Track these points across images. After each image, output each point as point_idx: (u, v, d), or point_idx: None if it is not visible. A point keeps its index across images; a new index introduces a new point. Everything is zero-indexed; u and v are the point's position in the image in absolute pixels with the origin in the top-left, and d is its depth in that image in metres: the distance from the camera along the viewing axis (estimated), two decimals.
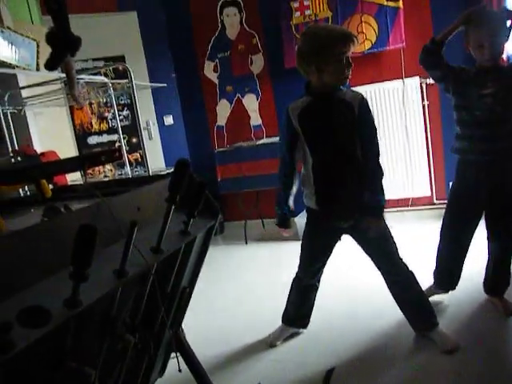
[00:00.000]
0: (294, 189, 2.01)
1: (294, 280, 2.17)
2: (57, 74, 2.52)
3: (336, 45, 1.73)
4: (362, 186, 1.87)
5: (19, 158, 1.88)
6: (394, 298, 2.02)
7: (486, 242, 2.20)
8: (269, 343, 2.18)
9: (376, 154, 1.87)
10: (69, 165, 1.16)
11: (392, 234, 1.97)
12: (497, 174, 2.03)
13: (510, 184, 2.04)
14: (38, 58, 2.77)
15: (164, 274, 1.32)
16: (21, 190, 2.01)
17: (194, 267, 1.50)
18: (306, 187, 1.98)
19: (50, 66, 1.03)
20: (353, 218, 1.91)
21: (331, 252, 2.06)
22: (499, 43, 1.94)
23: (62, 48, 1.02)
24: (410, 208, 3.95)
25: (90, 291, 0.88)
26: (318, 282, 2.16)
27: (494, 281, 2.21)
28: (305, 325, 2.22)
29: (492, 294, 2.22)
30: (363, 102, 1.83)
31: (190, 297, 1.56)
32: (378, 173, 1.87)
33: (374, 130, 1.88)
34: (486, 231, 2.17)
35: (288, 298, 2.21)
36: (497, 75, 1.97)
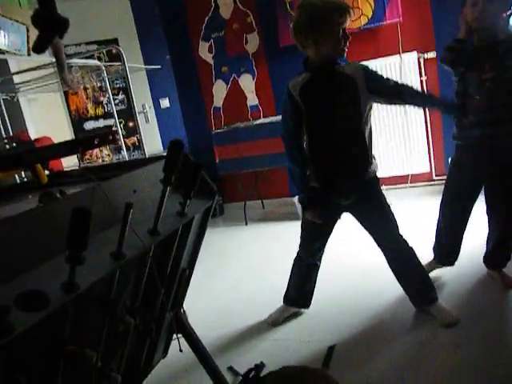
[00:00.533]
0: (306, 162, 1.94)
1: (295, 260, 2.18)
2: (49, 58, 2.48)
3: (332, 16, 1.71)
4: (364, 161, 1.87)
5: (14, 145, 1.87)
6: (394, 274, 2.03)
7: (486, 216, 2.19)
8: (270, 323, 2.20)
9: (406, 87, 1.84)
10: (62, 149, 1.15)
11: (392, 211, 1.97)
12: (498, 158, 2.01)
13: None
14: (28, 42, 2.73)
15: (163, 255, 1.32)
16: (17, 177, 2.01)
17: (192, 248, 1.50)
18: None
19: (38, 48, 1.01)
20: (354, 195, 1.90)
21: (332, 230, 2.06)
22: (494, 7, 1.86)
23: (49, 29, 1.00)
24: (409, 185, 3.95)
25: (88, 275, 0.88)
26: (319, 261, 2.16)
27: (494, 254, 2.21)
28: (306, 305, 2.22)
29: (491, 268, 2.23)
30: (366, 69, 1.82)
31: (190, 278, 1.56)
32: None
33: (391, 80, 1.84)
34: (485, 206, 2.17)
35: (289, 278, 2.22)
36: (495, 55, 1.89)
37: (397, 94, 1.82)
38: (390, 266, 2.03)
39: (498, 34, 1.90)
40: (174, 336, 1.63)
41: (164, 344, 1.64)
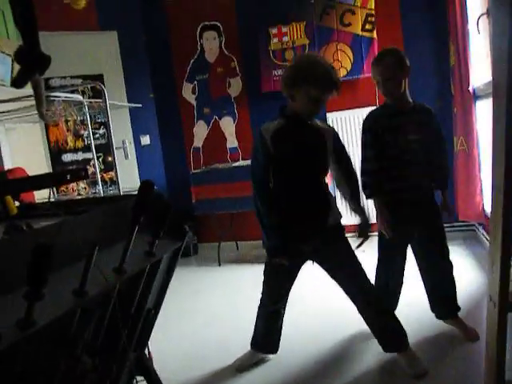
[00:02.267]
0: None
1: (259, 306, 2.15)
2: (30, 90, 2.50)
3: (307, 82, 1.78)
4: (325, 209, 1.93)
5: None
6: (366, 322, 2.01)
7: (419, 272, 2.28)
8: (236, 368, 2.15)
9: (356, 177, 2.06)
10: (33, 183, 1.14)
11: (357, 259, 1.97)
12: (425, 209, 2.17)
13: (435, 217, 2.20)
14: (12, 73, 2.76)
15: (129, 294, 1.31)
16: None
17: (159, 289, 1.48)
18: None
19: (18, 83, 1.03)
20: (314, 241, 1.92)
21: (296, 277, 2.05)
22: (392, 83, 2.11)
23: (30, 66, 1.02)
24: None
25: (47, 311, 0.86)
26: (284, 307, 2.13)
27: (436, 304, 2.27)
28: (273, 351, 2.19)
29: (443, 318, 2.26)
30: (336, 136, 2.01)
31: (156, 319, 1.53)
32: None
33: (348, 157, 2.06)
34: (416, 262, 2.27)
35: (255, 324, 2.18)
36: (416, 118, 2.14)
37: (344, 164, 2.04)
38: (361, 315, 2.01)
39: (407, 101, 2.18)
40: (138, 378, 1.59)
41: None
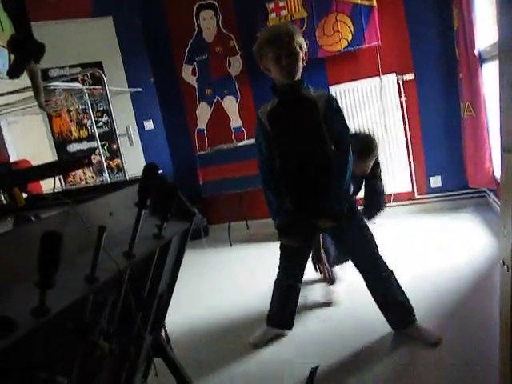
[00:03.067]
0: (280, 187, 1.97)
1: (275, 281, 2.18)
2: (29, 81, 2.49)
3: (264, 48, 1.84)
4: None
5: None
6: (373, 297, 2.02)
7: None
8: (252, 344, 2.18)
9: (345, 150, 1.85)
10: (39, 172, 1.14)
11: (371, 232, 1.98)
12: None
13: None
14: (9, 65, 2.74)
15: (141, 278, 1.32)
16: None
17: (171, 271, 1.49)
18: None
19: (13, 73, 1.02)
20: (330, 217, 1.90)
21: (309, 255, 2.08)
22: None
23: (24, 55, 1.01)
24: (391, 204, 3.99)
25: (60, 299, 0.87)
26: (300, 282, 2.16)
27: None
28: (288, 326, 2.21)
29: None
30: (329, 99, 1.86)
31: (169, 300, 1.55)
32: (344, 171, 1.83)
33: (344, 126, 1.88)
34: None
35: (271, 300, 2.21)
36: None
37: (334, 140, 1.88)
38: (369, 289, 2.01)
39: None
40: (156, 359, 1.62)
41: (144, 367, 1.61)
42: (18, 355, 0.81)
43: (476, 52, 3.19)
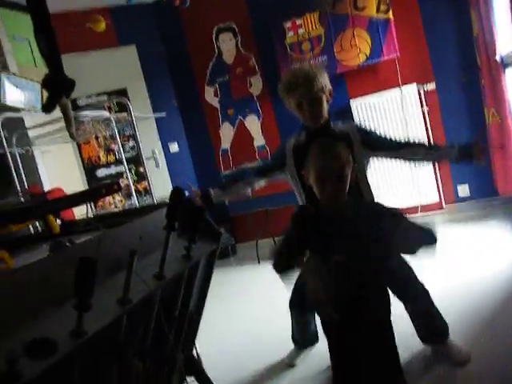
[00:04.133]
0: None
1: (289, 302, 2.10)
2: (60, 113, 2.61)
3: (285, 96, 1.80)
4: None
5: (28, 197, 1.96)
6: (406, 309, 1.94)
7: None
8: (287, 363, 2.18)
9: (407, 144, 1.79)
10: (71, 201, 1.21)
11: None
12: None
13: None
14: (42, 99, 2.88)
15: (171, 299, 1.35)
16: (31, 227, 2.09)
17: (200, 290, 1.53)
18: None
19: (47, 108, 1.09)
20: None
21: None
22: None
23: (56, 91, 1.08)
24: (420, 214, 3.94)
25: (95, 321, 0.91)
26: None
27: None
28: (313, 342, 2.18)
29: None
30: (359, 126, 1.84)
31: (200, 320, 1.58)
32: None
33: (391, 137, 1.83)
34: None
35: (291, 323, 2.17)
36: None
37: (395, 148, 1.79)
38: (405, 308, 1.93)
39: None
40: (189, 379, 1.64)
41: None
42: (58, 375, 0.85)
43: (498, 58, 3.17)
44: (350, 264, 1.36)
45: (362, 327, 1.36)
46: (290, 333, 2.25)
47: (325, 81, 1.78)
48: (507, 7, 3.05)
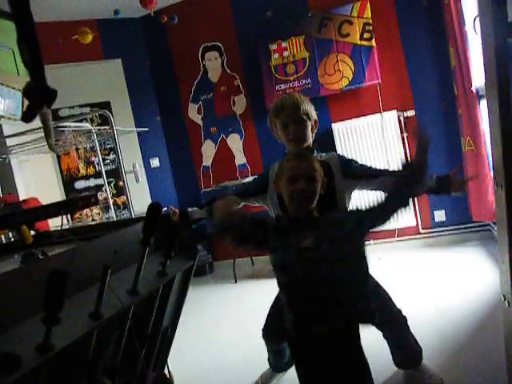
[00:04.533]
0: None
1: (262, 332, 2.05)
2: (40, 122, 2.58)
3: (273, 119, 1.86)
4: None
5: (1, 206, 1.92)
6: (383, 334, 1.93)
7: None
8: None
9: (385, 169, 1.82)
10: (46, 211, 1.19)
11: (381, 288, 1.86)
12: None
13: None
14: (23, 107, 2.85)
15: (145, 314, 1.33)
16: (3, 237, 2.03)
17: (174, 307, 1.51)
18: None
19: (27, 117, 1.08)
20: None
21: None
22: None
23: (37, 100, 1.07)
24: (396, 239, 3.99)
25: (65, 335, 0.89)
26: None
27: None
28: (287, 367, 2.15)
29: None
30: (340, 156, 1.86)
31: (173, 337, 1.56)
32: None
33: (371, 167, 1.85)
34: None
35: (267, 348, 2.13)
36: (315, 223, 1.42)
37: (375, 175, 1.77)
38: (383, 334, 1.92)
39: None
40: None
41: None
42: None
43: (474, 89, 3.27)
44: (317, 250, 1.33)
45: (332, 336, 1.34)
46: (264, 354, 2.23)
47: (311, 109, 1.83)
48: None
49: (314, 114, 1.84)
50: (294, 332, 1.37)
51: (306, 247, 1.33)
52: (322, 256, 1.32)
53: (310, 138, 1.83)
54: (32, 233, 1.53)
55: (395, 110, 3.86)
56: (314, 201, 1.41)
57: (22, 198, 3.06)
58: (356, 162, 1.87)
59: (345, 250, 1.35)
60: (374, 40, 3.78)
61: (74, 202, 1.15)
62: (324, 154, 1.87)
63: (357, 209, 1.44)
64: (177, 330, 1.63)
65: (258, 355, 2.40)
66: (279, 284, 1.46)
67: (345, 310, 1.32)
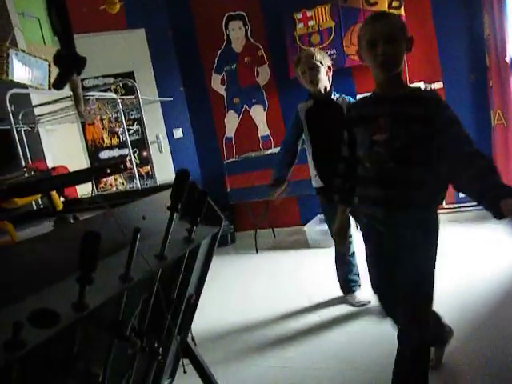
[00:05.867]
0: (291, 162, 2.53)
1: (335, 255, 2.60)
2: (67, 91, 2.62)
3: (296, 69, 2.43)
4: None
5: (32, 173, 1.96)
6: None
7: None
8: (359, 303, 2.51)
9: None
10: (76, 177, 1.22)
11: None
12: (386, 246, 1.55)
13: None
14: (49, 77, 2.88)
15: (171, 280, 1.37)
16: (34, 203, 2.10)
17: (199, 274, 1.54)
18: (312, 172, 2.52)
19: (57, 85, 1.10)
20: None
21: (349, 221, 2.31)
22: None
23: (67, 68, 1.08)
24: None
25: (97, 295, 0.93)
26: (349, 248, 2.55)
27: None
28: (356, 287, 2.58)
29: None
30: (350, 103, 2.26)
31: (197, 303, 1.60)
32: None
33: None
34: None
35: (337, 273, 2.63)
36: (395, 109, 1.42)
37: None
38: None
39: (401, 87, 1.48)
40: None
41: (171, 367, 1.66)
42: (60, 346, 0.87)
43: (508, 59, 3.16)
44: (390, 143, 1.39)
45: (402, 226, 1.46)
46: (281, 319, 2.28)
47: (322, 57, 2.35)
48: None
49: (327, 62, 2.37)
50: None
51: (378, 141, 1.41)
52: (392, 154, 1.39)
53: (326, 81, 2.37)
54: (62, 200, 1.57)
55: (422, 82, 3.76)
56: (396, 64, 1.39)
57: (50, 166, 3.13)
58: None
59: (415, 156, 1.39)
60: (402, 8, 3.66)
61: (102, 168, 1.18)
62: (338, 95, 2.43)
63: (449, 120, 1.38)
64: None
65: (276, 323, 2.46)
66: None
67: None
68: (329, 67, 2.38)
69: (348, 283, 2.59)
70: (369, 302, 2.48)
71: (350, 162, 1.60)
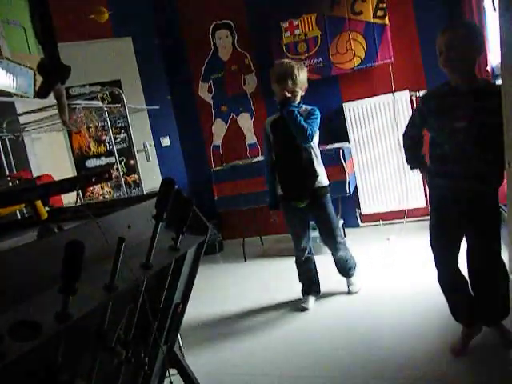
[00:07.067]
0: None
1: (295, 260, 2.78)
2: (52, 100, 2.60)
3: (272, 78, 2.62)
4: (311, 175, 2.57)
5: (17, 182, 1.95)
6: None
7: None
8: (300, 308, 2.67)
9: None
10: (61, 186, 1.21)
11: (334, 216, 2.67)
12: (465, 212, 1.88)
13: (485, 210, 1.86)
14: (34, 85, 2.86)
15: (157, 289, 1.36)
16: (18, 212, 2.07)
17: (186, 283, 1.53)
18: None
19: (42, 94, 1.10)
20: (305, 199, 2.59)
21: (308, 227, 2.72)
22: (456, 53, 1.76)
23: (52, 77, 1.08)
24: (406, 220, 3.99)
25: (81, 305, 0.92)
26: (312, 254, 2.78)
27: (484, 308, 1.95)
28: (318, 291, 2.80)
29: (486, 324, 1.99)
30: (310, 111, 2.56)
31: (184, 312, 1.59)
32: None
33: (310, 124, 2.49)
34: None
35: (298, 275, 2.79)
36: (472, 102, 1.76)
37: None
38: (336, 265, 2.78)
39: (473, 82, 1.79)
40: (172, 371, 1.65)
41: (158, 379, 1.65)
42: (42, 357, 0.86)
43: (489, 68, 3.22)
44: (469, 130, 1.72)
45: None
46: (272, 326, 2.27)
47: (299, 76, 2.52)
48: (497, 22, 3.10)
49: (301, 79, 2.53)
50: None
51: (458, 128, 1.74)
52: (469, 139, 1.73)
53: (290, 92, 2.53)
54: (46, 209, 1.55)
55: (407, 90, 3.82)
56: (457, 68, 1.76)
57: (35, 175, 3.10)
58: (312, 120, 2.57)
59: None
60: (387, 18, 3.72)
61: (87, 176, 1.17)
62: (304, 106, 2.59)
63: None
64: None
65: (265, 328, 2.45)
66: (430, 156, 1.96)
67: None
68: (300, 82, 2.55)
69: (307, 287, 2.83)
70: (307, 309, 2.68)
71: (417, 139, 2.09)
